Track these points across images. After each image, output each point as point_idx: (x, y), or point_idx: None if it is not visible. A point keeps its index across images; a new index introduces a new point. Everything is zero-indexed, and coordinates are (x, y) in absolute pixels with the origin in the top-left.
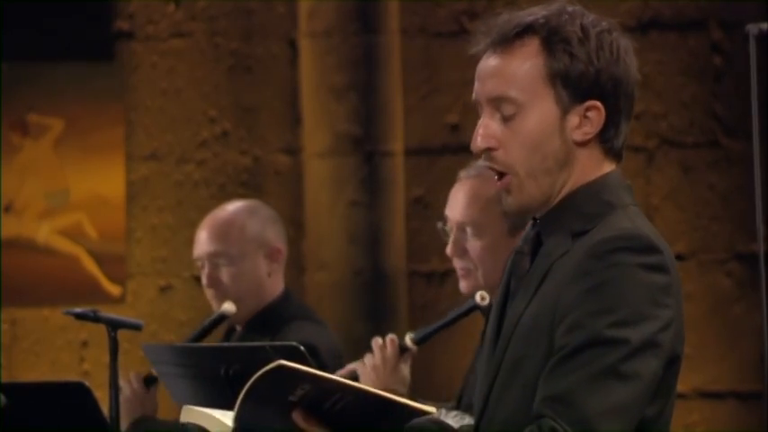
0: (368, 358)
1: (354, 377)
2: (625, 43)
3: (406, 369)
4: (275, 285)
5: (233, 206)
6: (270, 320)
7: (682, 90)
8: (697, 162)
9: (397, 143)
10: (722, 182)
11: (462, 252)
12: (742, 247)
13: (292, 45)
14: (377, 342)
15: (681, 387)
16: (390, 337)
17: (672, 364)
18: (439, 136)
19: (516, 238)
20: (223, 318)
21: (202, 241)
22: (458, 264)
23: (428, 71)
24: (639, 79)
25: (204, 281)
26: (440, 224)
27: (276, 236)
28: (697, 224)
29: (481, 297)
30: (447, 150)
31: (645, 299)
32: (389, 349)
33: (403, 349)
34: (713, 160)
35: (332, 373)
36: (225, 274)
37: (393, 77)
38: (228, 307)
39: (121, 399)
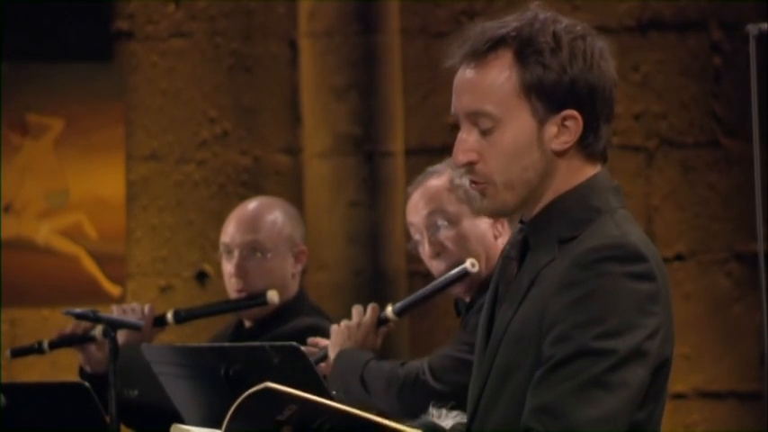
0: (344, 321)
1: (323, 356)
2: (600, 47)
3: (378, 340)
4: (294, 287)
5: (265, 201)
6: (282, 318)
7: (682, 90)
8: (697, 162)
9: (397, 143)
10: (722, 182)
11: (441, 249)
12: (742, 247)
13: (292, 45)
14: (357, 309)
15: (681, 387)
16: (372, 305)
17: (661, 368)
18: (439, 136)
19: (480, 218)
20: (264, 303)
21: (234, 231)
22: (440, 266)
23: (428, 71)
24: (617, 80)
25: (231, 270)
26: (409, 244)
27: (302, 237)
28: (697, 224)
29: (471, 264)
30: (447, 150)
31: (631, 308)
32: (368, 315)
33: (382, 321)
34: (713, 160)
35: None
36: (255, 266)
37: (393, 78)
38: (273, 296)
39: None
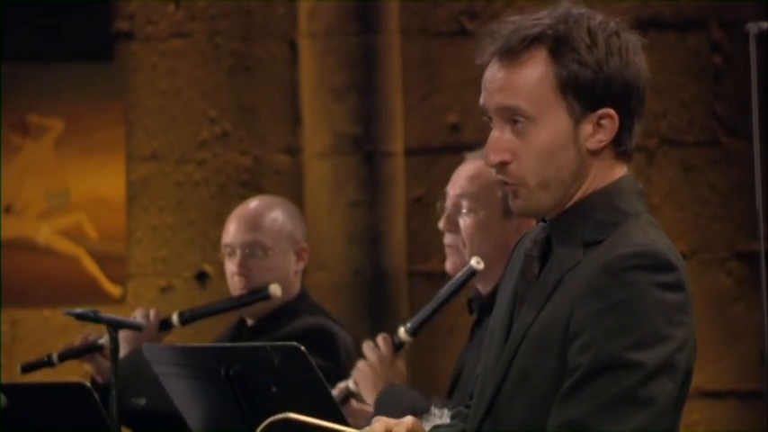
0: (362, 363)
1: (348, 395)
2: (633, 42)
3: (402, 365)
4: (296, 285)
5: (265, 200)
6: (284, 317)
7: (682, 89)
8: (697, 161)
9: (397, 143)
10: (722, 181)
11: (454, 227)
12: (742, 246)
13: (292, 45)
14: (368, 345)
15: None
16: (382, 335)
17: (684, 380)
18: (439, 136)
19: (509, 221)
20: (266, 297)
21: (235, 230)
22: (447, 239)
23: (428, 71)
24: (649, 75)
25: (234, 269)
26: (439, 203)
27: (303, 235)
28: (697, 223)
29: (477, 261)
30: (447, 150)
31: (661, 319)
32: (383, 347)
33: (398, 345)
34: (713, 159)
35: (344, 368)
36: (257, 264)
37: (393, 77)
38: (276, 289)
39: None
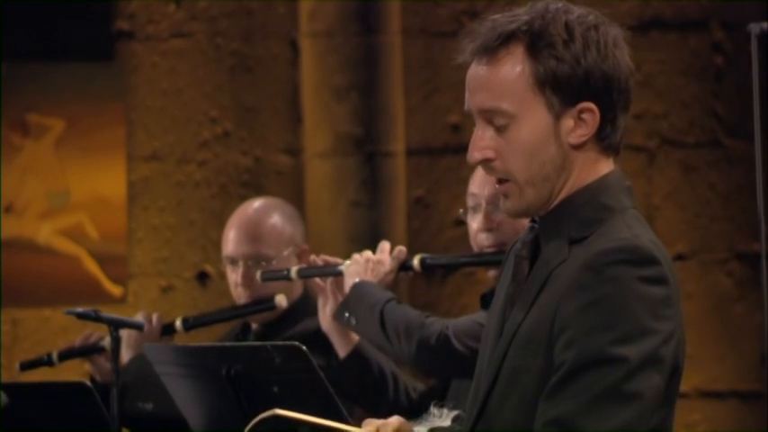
0: (364, 254)
1: (336, 272)
2: (614, 35)
3: (392, 283)
4: (299, 287)
5: (263, 205)
6: (289, 320)
7: (683, 90)
8: (698, 162)
9: (398, 143)
10: (723, 182)
11: (496, 225)
12: (743, 247)
13: (293, 45)
14: (384, 244)
15: (682, 386)
16: (401, 247)
17: (673, 375)
18: (440, 136)
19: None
20: (271, 308)
21: (237, 241)
22: (488, 240)
23: (429, 71)
24: (633, 68)
25: (238, 280)
26: (461, 211)
27: (302, 235)
28: (698, 224)
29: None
30: (448, 150)
31: (645, 313)
32: (394, 255)
33: (406, 266)
34: (714, 160)
35: None
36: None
37: (394, 78)
38: (281, 300)
39: (134, 333)
